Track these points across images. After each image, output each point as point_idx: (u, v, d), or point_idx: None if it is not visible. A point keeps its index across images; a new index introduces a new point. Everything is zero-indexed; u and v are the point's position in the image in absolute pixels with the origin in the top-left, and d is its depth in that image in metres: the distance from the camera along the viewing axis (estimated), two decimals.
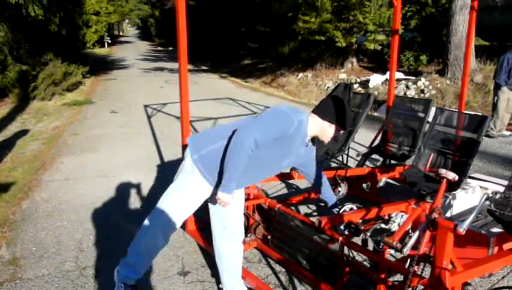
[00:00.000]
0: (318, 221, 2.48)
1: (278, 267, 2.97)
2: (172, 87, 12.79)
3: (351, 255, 2.50)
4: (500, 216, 2.42)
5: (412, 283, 2.01)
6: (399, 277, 2.39)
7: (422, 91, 9.85)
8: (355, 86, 11.43)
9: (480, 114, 5.22)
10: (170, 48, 32.36)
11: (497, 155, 5.86)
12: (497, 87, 6.82)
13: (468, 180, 3.60)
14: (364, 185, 4.24)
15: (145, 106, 9.66)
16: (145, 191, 4.53)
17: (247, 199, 2.98)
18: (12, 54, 10.22)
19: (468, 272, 1.92)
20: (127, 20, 59.29)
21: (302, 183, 4.39)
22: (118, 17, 37.53)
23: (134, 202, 4.25)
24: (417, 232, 1.90)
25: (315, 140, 2.50)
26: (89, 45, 26.66)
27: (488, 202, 2.47)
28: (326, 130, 2.35)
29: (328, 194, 2.77)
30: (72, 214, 3.92)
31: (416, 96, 9.47)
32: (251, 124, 2.18)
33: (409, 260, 2.19)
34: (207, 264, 3.03)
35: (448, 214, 3.19)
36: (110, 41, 34.53)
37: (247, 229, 3.02)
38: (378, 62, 13.58)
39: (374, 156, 4.59)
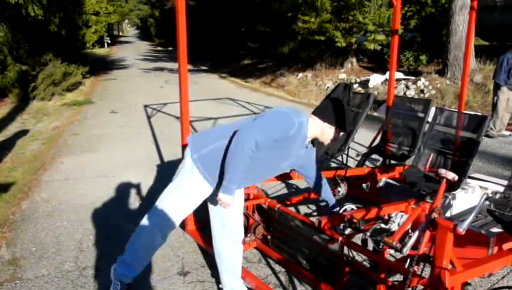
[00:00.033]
0: (318, 221, 2.49)
1: (277, 267, 2.97)
2: (172, 87, 12.79)
3: (350, 255, 2.50)
4: (499, 216, 2.42)
5: (411, 283, 2.01)
6: (399, 277, 2.39)
7: (422, 91, 9.86)
8: (355, 86, 11.43)
9: (479, 114, 5.22)
10: (170, 48, 32.36)
11: (497, 155, 5.86)
12: (497, 87, 6.83)
13: (468, 180, 3.60)
14: (364, 185, 4.24)
15: (145, 106, 9.66)
16: (145, 191, 4.53)
17: (247, 199, 2.98)
18: (12, 54, 10.22)
19: (468, 272, 1.92)
20: (126, 20, 59.33)
21: (302, 183, 4.39)
22: (117, 17, 37.56)
23: (134, 202, 4.26)
24: (417, 232, 1.90)
25: (315, 142, 2.50)
26: (89, 45, 26.65)
27: (487, 202, 2.47)
28: (326, 132, 2.35)
29: (328, 197, 2.77)
30: (72, 214, 3.93)
31: (416, 96, 9.48)
32: (252, 126, 2.19)
33: (408, 260, 2.19)
34: (207, 264, 3.03)
35: (448, 214, 3.19)
36: (109, 42, 34.52)
37: (247, 229, 3.02)
38: (378, 62, 13.59)
39: (374, 156, 4.60)
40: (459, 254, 1.96)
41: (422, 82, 10.06)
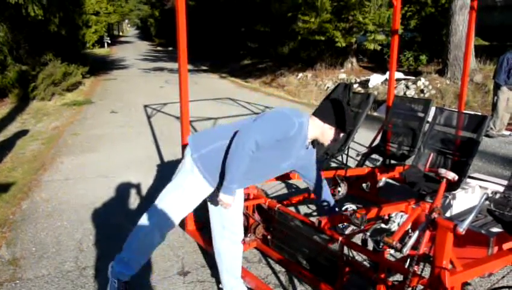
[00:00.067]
0: (318, 221, 2.49)
1: (277, 267, 2.97)
2: (172, 87, 12.79)
3: (350, 255, 2.50)
4: (499, 216, 2.42)
5: (411, 283, 2.01)
6: (399, 277, 2.39)
7: (422, 91, 9.86)
8: (355, 86, 11.43)
9: (479, 114, 5.22)
10: (170, 48, 32.36)
11: (497, 155, 5.86)
12: (497, 87, 6.83)
13: (468, 180, 3.60)
14: (364, 185, 4.24)
15: (145, 106, 9.66)
16: (145, 191, 4.53)
17: (247, 199, 2.99)
18: (12, 54, 10.21)
19: (467, 272, 1.92)
20: (126, 20, 59.33)
21: (302, 183, 4.36)
22: (117, 17, 37.55)
23: (134, 202, 4.26)
24: (417, 232, 1.90)
25: (315, 142, 2.51)
26: (89, 45, 26.67)
27: (487, 202, 2.47)
28: (326, 133, 2.35)
29: (328, 199, 2.76)
30: (72, 214, 3.93)
31: (416, 96, 9.48)
32: (252, 126, 2.19)
33: (408, 260, 2.19)
34: (207, 264, 3.03)
35: (448, 214, 3.19)
36: (109, 42, 34.52)
37: (247, 229, 3.02)
38: (378, 62, 13.59)
39: (374, 156, 4.60)
40: (459, 254, 1.96)
41: (422, 82, 10.06)
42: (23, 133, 7.23)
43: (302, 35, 13.20)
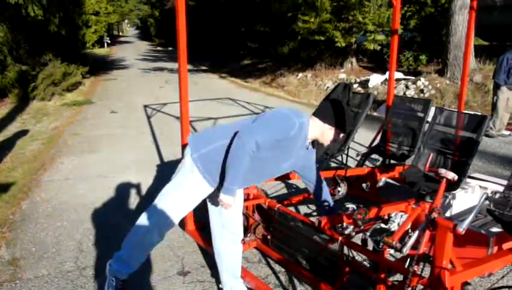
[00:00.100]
0: (318, 221, 2.48)
1: (277, 267, 2.97)
2: (172, 87, 12.79)
3: (350, 255, 2.50)
4: (499, 216, 2.42)
5: (411, 283, 2.01)
6: (399, 277, 2.39)
7: (421, 91, 9.86)
8: (355, 86, 11.43)
9: (479, 114, 5.22)
10: (170, 48, 32.35)
11: (497, 155, 5.86)
12: (497, 87, 6.83)
13: (468, 180, 3.60)
14: (364, 185, 4.24)
15: (145, 106, 9.66)
16: (144, 191, 4.53)
17: (247, 199, 2.99)
18: (12, 54, 10.22)
19: (467, 272, 1.92)
20: (126, 21, 59.31)
21: (302, 183, 4.37)
22: (117, 17, 37.56)
23: (134, 202, 4.26)
24: (417, 232, 1.90)
25: (315, 143, 2.51)
26: (89, 45, 26.66)
27: (487, 202, 2.47)
28: (326, 133, 2.35)
29: (327, 200, 2.76)
30: (72, 214, 3.93)
31: (416, 96, 9.48)
32: (252, 126, 2.19)
33: (408, 260, 2.19)
34: (207, 264, 3.03)
35: (447, 214, 3.19)
36: (109, 42, 34.52)
37: (247, 229, 3.02)
38: (377, 62, 13.59)
39: (374, 156, 4.59)
40: (459, 254, 1.96)
41: (422, 82, 10.06)
42: (23, 133, 7.23)
43: (302, 35, 13.20)
